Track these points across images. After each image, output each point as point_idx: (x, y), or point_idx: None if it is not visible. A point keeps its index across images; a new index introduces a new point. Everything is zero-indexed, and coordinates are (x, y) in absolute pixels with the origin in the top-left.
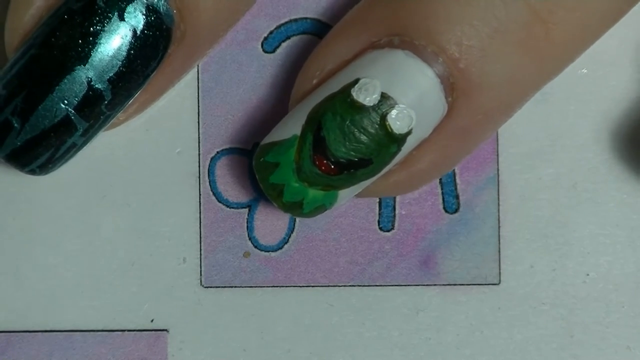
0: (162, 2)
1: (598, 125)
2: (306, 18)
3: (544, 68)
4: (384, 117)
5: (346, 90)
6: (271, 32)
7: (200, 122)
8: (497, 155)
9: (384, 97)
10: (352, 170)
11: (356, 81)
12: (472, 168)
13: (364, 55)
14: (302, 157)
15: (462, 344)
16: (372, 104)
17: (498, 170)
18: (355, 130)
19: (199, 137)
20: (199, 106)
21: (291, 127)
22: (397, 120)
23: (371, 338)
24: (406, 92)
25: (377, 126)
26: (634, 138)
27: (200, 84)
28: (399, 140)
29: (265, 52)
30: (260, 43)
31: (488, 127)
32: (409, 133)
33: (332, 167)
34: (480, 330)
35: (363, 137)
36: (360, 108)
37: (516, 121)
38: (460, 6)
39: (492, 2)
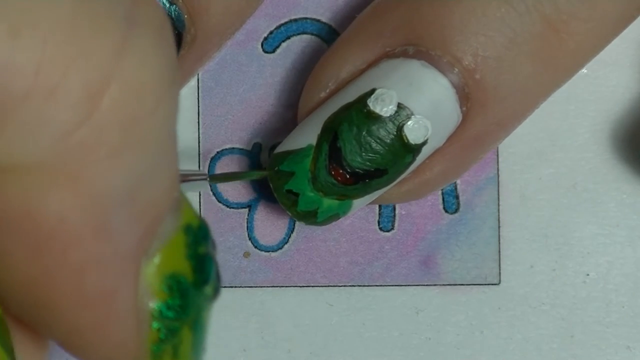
0: (174, 7)
1: (598, 125)
2: (306, 18)
3: (557, 76)
4: (400, 128)
5: (362, 100)
6: (271, 32)
7: (200, 122)
8: (497, 155)
9: (400, 107)
10: (367, 180)
11: (372, 91)
12: (472, 168)
13: (379, 64)
14: (317, 167)
15: (462, 344)
16: (388, 115)
17: (498, 170)
18: (372, 140)
19: (199, 137)
20: (199, 106)
21: (306, 136)
22: (413, 131)
23: (371, 338)
24: (422, 102)
25: (393, 137)
26: (634, 138)
27: (200, 84)
28: (415, 150)
29: (265, 52)
30: (260, 43)
31: (500, 135)
32: (424, 143)
33: (348, 177)
34: (480, 330)
35: (379, 148)
36: (376, 118)
37: None
38: (475, 17)
39: (507, 13)
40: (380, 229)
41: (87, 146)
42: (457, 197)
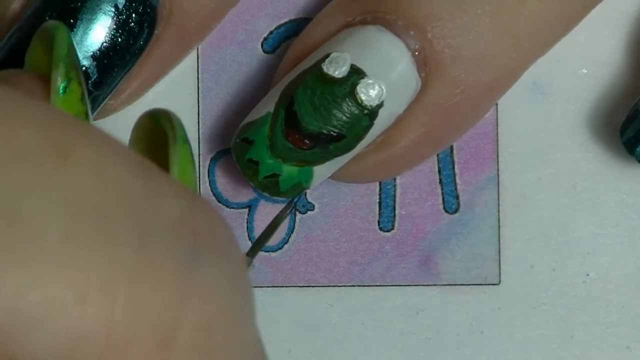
0: None
1: (598, 125)
2: (306, 18)
3: (521, 45)
4: (353, 89)
5: (317, 64)
6: (271, 32)
7: (200, 122)
8: (497, 155)
9: (354, 70)
10: (324, 144)
11: (327, 56)
12: (472, 168)
13: (338, 33)
14: (274, 132)
15: (462, 344)
16: (341, 76)
17: (498, 170)
18: (326, 102)
19: (199, 137)
20: (199, 106)
21: (265, 105)
22: (367, 92)
23: (371, 338)
24: (377, 65)
25: (347, 98)
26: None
27: (200, 84)
28: (371, 112)
29: (265, 52)
30: (260, 43)
31: (468, 106)
32: (380, 105)
33: (305, 140)
34: (480, 330)
35: (334, 110)
36: (330, 81)
37: (516, 121)
38: None
39: None
40: (380, 229)
41: None
42: (457, 197)
